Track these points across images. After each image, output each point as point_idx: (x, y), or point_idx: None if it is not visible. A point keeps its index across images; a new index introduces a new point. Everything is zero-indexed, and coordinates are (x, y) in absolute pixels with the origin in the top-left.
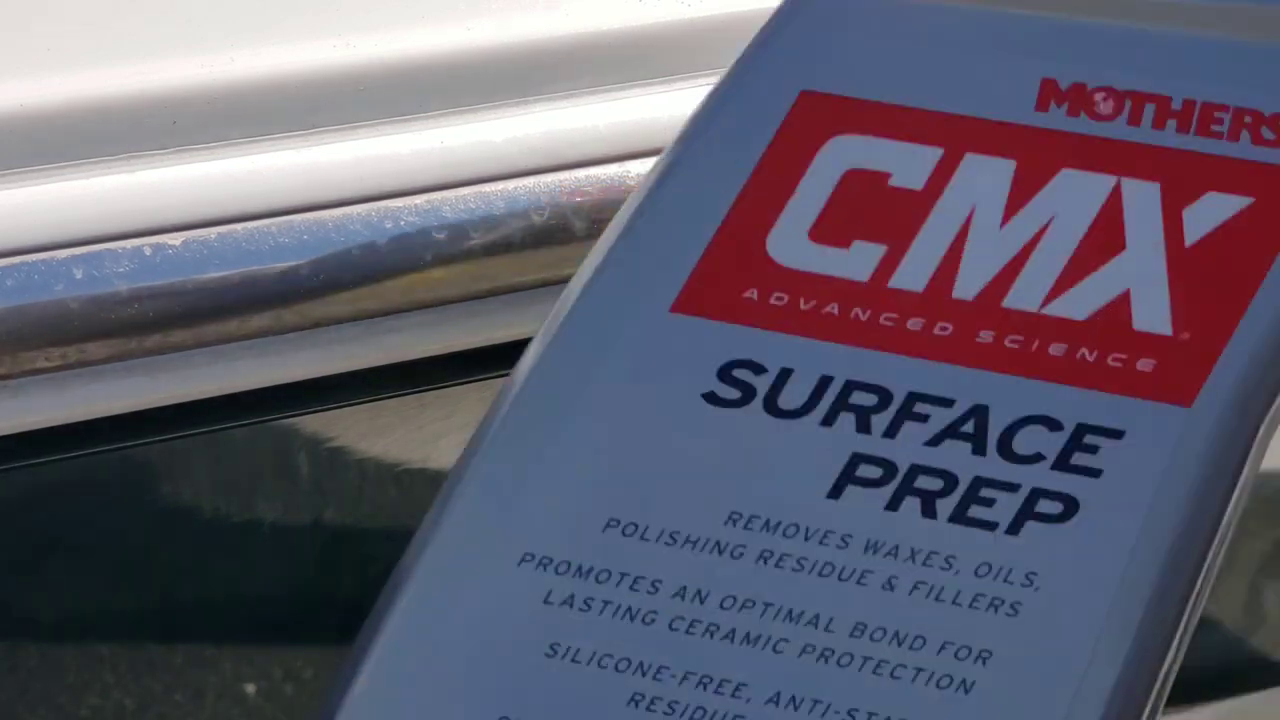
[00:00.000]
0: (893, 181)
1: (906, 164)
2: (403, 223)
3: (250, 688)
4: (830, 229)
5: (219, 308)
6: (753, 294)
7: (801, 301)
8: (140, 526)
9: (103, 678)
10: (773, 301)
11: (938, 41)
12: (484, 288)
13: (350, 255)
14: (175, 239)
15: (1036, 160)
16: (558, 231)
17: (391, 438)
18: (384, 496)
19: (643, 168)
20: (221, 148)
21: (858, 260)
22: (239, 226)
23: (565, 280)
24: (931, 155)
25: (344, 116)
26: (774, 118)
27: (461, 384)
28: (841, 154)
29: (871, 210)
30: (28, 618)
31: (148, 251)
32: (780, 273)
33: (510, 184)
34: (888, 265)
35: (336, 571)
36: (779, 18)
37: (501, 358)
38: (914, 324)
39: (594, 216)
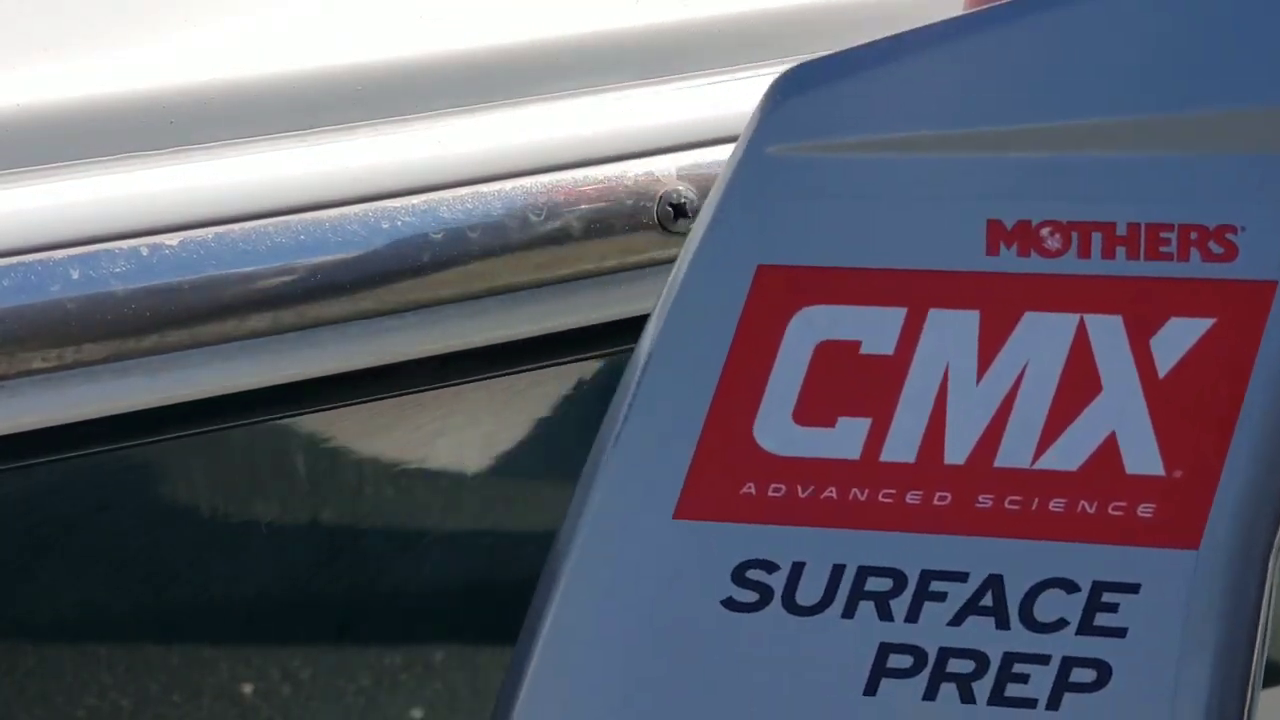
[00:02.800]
0: (864, 349)
1: (874, 329)
2: (399, 223)
3: (247, 688)
4: (813, 409)
5: (216, 308)
6: (750, 489)
7: (799, 489)
8: (137, 527)
9: (100, 678)
10: (771, 494)
11: (881, 196)
12: (481, 288)
13: (347, 255)
14: (172, 239)
15: (998, 307)
16: (555, 232)
17: (389, 438)
18: (382, 496)
19: (640, 168)
20: (218, 148)
21: (845, 438)
22: (235, 227)
23: (563, 281)
24: (896, 316)
25: (341, 117)
26: (737, 297)
27: (459, 384)
28: (809, 327)
29: (849, 383)
30: (25, 618)
31: (144, 252)
32: (773, 462)
33: (507, 184)
34: (876, 439)
35: (334, 572)
36: (725, 192)
37: (499, 358)
38: (913, 497)
39: (591, 217)
